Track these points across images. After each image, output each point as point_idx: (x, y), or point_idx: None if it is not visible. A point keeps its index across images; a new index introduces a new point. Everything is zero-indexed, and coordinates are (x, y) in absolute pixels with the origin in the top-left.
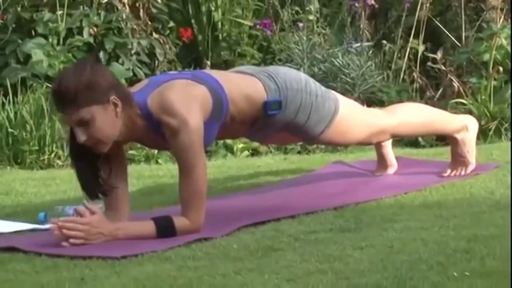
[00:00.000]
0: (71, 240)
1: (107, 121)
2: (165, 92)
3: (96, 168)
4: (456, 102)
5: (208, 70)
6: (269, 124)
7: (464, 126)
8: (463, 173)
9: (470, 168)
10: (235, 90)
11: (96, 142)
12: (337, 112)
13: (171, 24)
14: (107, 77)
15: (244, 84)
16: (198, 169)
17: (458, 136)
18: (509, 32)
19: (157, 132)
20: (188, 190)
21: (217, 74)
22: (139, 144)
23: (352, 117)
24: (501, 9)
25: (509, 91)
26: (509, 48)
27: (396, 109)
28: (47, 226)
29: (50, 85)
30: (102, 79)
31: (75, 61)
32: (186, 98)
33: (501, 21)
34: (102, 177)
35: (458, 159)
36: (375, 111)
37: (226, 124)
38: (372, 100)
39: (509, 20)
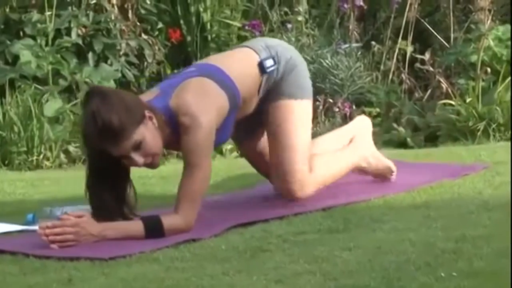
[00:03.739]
0: (60, 244)
1: (153, 135)
2: (183, 94)
3: (118, 192)
4: (444, 103)
5: (208, 60)
6: (271, 87)
7: (360, 155)
8: (394, 177)
9: (392, 170)
10: (237, 71)
11: (152, 158)
12: (309, 98)
13: (160, 25)
14: (129, 95)
15: (239, 59)
16: (201, 171)
17: (364, 164)
18: (497, 33)
19: (178, 134)
20: (186, 189)
21: (217, 61)
22: (169, 150)
23: (306, 120)
24: (489, 10)
25: (497, 91)
26: (496, 50)
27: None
28: (35, 227)
29: (38, 86)
30: (129, 100)
31: (63, 62)
32: (204, 101)
33: (489, 22)
34: (125, 200)
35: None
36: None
37: (240, 108)
38: (361, 101)
39: (497, 22)
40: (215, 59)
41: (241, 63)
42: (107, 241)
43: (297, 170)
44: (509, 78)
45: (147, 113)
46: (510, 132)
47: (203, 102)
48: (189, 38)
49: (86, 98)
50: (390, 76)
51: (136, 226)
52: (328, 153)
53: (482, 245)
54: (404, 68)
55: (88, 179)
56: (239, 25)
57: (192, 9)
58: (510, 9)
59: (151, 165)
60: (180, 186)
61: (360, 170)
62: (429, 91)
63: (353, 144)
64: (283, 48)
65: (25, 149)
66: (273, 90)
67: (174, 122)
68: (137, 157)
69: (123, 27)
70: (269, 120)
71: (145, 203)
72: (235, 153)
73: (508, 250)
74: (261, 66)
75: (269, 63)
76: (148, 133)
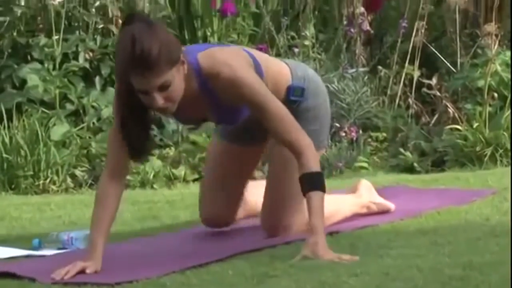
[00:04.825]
0: None
1: (180, 81)
2: (214, 53)
3: (147, 128)
4: (451, 128)
5: (244, 47)
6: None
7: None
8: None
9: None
10: (268, 69)
11: (171, 104)
12: (322, 149)
13: None
14: (171, 34)
15: (273, 64)
16: (271, 104)
17: (365, 210)
18: (504, 58)
19: (204, 90)
20: (280, 128)
21: (252, 51)
22: (174, 118)
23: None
24: (496, 35)
25: (505, 116)
26: (503, 75)
27: None
28: (41, 252)
29: (45, 110)
30: (172, 36)
31: (71, 86)
32: (240, 61)
33: (496, 47)
34: (150, 137)
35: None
36: None
37: None
38: (367, 126)
39: (505, 47)
40: (252, 50)
41: (274, 70)
42: (113, 266)
43: (291, 222)
44: None
45: (182, 57)
46: None
47: (238, 59)
48: None
49: (127, 21)
50: (397, 101)
51: (318, 199)
52: (329, 197)
53: (490, 272)
54: (411, 93)
55: (118, 115)
56: None
57: (199, 33)
58: (510, 12)
59: (166, 110)
60: (275, 132)
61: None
62: (436, 116)
63: (357, 193)
64: (318, 87)
65: (31, 173)
66: None
67: (202, 76)
68: (159, 98)
69: None
70: (274, 159)
71: (152, 227)
72: None
73: None
74: (288, 90)
75: (296, 93)
76: (178, 78)
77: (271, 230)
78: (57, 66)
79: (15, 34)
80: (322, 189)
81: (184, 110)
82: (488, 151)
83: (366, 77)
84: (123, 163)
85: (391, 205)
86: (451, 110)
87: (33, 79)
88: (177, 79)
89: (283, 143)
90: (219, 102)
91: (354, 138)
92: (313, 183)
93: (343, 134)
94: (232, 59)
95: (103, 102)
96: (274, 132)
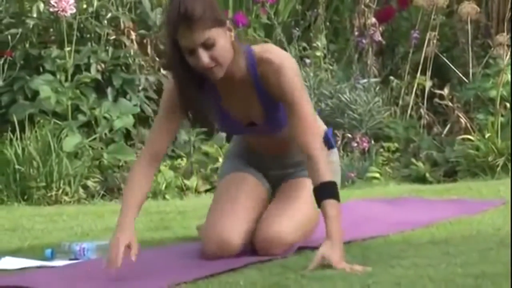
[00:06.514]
0: None
1: (226, 44)
2: (270, 45)
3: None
4: (463, 139)
5: None
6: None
7: None
8: None
9: None
10: None
11: (216, 65)
12: None
13: None
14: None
15: None
16: (306, 104)
17: None
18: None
19: (251, 72)
20: (300, 123)
21: None
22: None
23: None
24: (508, 46)
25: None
26: None
27: None
28: (53, 263)
29: (57, 121)
30: (217, 3)
31: (83, 97)
32: (290, 57)
33: (507, 57)
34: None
35: None
36: None
37: None
38: (379, 136)
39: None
40: None
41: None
42: (125, 277)
43: (293, 242)
44: None
45: (228, 23)
46: None
47: (288, 55)
48: None
49: None
50: (409, 111)
51: (334, 207)
52: None
53: (502, 282)
54: (422, 103)
55: (175, 82)
56: None
57: None
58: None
59: (213, 72)
60: (294, 128)
61: None
62: (448, 126)
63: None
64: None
65: (44, 184)
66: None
67: (252, 58)
68: (204, 55)
69: (142, 63)
70: (286, 188)
71: (164, 238)
72: None
73: None
74: (326, 139)
75: (332, 141)
76: (223, 40)
77: (271, 250)
78: (69, 77)
79: (27, 45)
80: (337, 198)
81: (232, 98)
82: (500, 161)
83: (378, 88)
84: (162, 150)
85: None
86: (463, 120)
87: (45, 91)
88: (222, 41)
89: (297, 141)
90: (263, 91)
91: (366, 149)
92: (327, 192)
93: (355, 144)
94: (284, 53)
95: (115, 113)
96: (293, 129)
